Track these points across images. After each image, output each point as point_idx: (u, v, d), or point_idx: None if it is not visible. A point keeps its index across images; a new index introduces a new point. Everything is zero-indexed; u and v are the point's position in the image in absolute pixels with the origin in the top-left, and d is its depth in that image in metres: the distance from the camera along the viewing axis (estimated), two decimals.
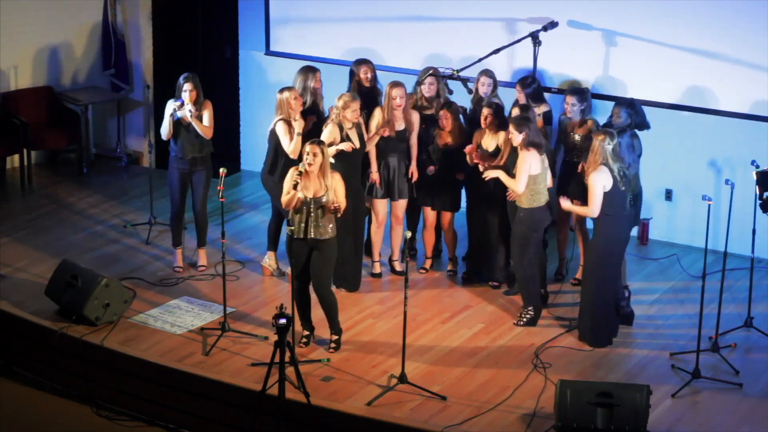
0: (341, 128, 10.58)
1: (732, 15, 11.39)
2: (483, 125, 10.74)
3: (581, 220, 10.96)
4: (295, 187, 9.62)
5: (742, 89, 11.50)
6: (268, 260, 11.37)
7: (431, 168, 11.04)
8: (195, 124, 11.04)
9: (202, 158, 11.23)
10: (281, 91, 10.84)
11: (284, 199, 9.73)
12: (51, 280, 10.66)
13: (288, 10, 13.44)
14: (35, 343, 10.47)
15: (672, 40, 11.67)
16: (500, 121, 10.69)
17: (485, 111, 10.70)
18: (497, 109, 10.73)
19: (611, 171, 9.70)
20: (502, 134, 10.63)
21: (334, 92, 11.49)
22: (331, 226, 9.75)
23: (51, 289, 10.63)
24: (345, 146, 10.54)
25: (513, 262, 10.50)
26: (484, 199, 10.82)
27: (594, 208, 9.75)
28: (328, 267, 9.85)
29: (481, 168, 10.51)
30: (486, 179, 10.38)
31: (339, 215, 9.70)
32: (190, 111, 10.99)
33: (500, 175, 10.28)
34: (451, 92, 11.39)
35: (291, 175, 9.68)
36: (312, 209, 9.68)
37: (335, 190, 9.70)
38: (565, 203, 10.09)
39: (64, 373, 10.28)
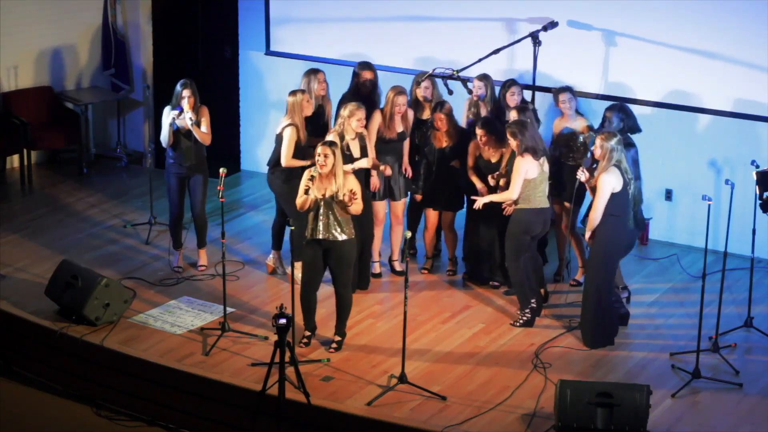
0: (342, 138, 10.56)
1: (732, 15, 11.38)
2: (481, 145, 10.71)
3: (572, 223, 10.94)
4: (306, 192, 9.63)
5: (741, 89, 11.50)
6: (273, 258, 11.38)
7: (456, 162, 11.04)
8: (195, 131, 11.03)
9: (197, 164, 11.23)
10: (293, 93, 10.81)
11: (298, 201, 9.75)
12: (51, 280, 10.66)
13: (288, 10, 13.44)
14: (35, 343, 10.47)
15: (672, 40, 11.67)
16: (497, 136, 10.66)
17: (478, 132, 10.67)
18: (491, 126, 10.68)
19: (623, 172, 9.67)
20: (507, 150, 10.63)
21: (334, 92, 11.53)
22: (346, 227, 9.73)
23: (51, 289, 10.63)
24: (364, 164, 10.57)
25: (507, 264, 10.48)
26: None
27: (599, 207, 9.70)
28: (346, 267, 9.86)
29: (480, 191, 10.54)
30: (477, 208, 10.42)
31: (350, 204, 9.62)
32: (190, 119, 10.97)
33: (491, 198, 10.30)
34: (451, 92, 11.39)
35: (304, 178, 9.70)
36: (323, 210, 9.68)
37: (350, 191, 9.68)
38: (484, 199, 10.25)
39: (64, 373, 10.29)
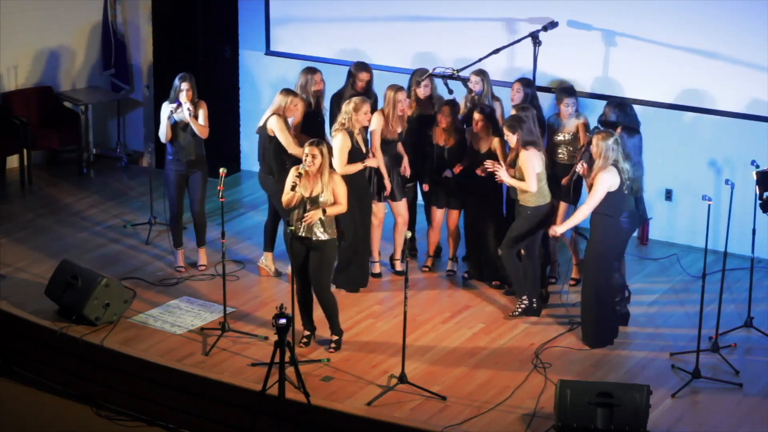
0: (351, 134, 10.56)
1: (732, 15, 11.38)
2: (475, 129, 10.75)
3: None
4: (293, 188, 9.64)
5: (741, 89, 11.50)
6: (265, 261, 11.36)
7: (450, 171, 11.02)
8: (193, 123, 11.03)
9: (197, 160, 11.23)
10: (285, 93, 10.79)
11: (284, 198, 9.75)
12: (51, 280, 10.66)
13: (288, 10, 13.44)
14: (35, 343, 10.47)
15: (672, 40, 11.67)
16: (493, 126, 10.69)
17: (476, 116, 10.71)
18: (489, 113, 10.72)
19: (620, 172, 9.67)
20: (495, 139, 10.63)
21: (329, 89, 11.51)
22: (328, 227, 9.74)
23: (51, 289, 10.63)
24: (371, 163, 10.56)
25: (501, 250, 10.43)
26: (481, 198, 10.81)
27: (591, 205, 9.71)
28: (326, 269, 9.84)
29: (494, 171, 10.46)
30: (499, 181, 10.36)
31: (307, 222, 9.64)
32: (188, 110, 10.98)
33: (510, 179, 10.25)
34: (451, 92, 11.40)
35: (291, 175, 9.71)
36: (307, 209, 9.68)
37: (333, 191, 9.70)
38: (503, 174, 10.14)
39: (64, 373, 10.29)
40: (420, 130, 11.23)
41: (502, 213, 10.93)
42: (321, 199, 9.65)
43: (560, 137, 10.90)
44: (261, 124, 10.80)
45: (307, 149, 9.65)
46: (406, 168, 11.16)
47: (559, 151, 10.89)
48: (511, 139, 10.20)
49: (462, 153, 10.98)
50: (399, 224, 11.32)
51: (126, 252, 11.89)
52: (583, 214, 9.83)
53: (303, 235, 9.73)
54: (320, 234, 9.72)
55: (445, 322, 10.56)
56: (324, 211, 9.64)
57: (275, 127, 10.68)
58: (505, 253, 10.39)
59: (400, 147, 11.14)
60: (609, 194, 9.70)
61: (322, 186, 9.66)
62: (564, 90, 11.04)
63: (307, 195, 9.68)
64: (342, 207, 9.79)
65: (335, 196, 9.72)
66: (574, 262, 11.12)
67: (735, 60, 11.45)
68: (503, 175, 10.27)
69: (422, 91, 11.27)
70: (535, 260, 10.44)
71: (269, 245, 11.32)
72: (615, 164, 9.67)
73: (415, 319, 10.47)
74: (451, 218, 11.27)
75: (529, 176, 10.12)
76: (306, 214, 9.65)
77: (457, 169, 10.93)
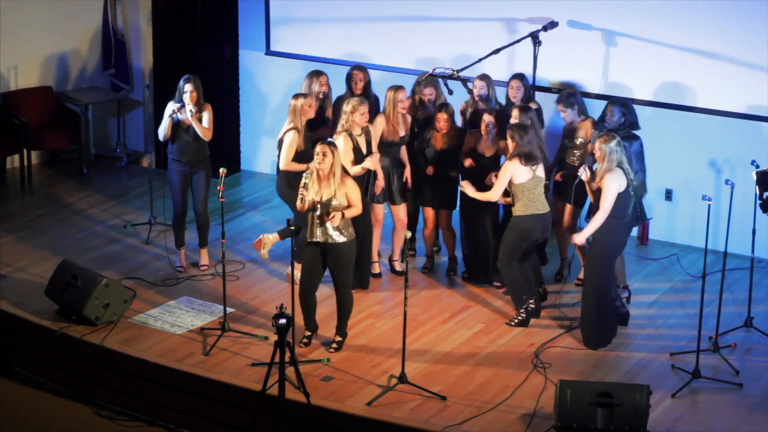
0: (351, 135, 10.56)
1: (732, 15, 11.39)
2: (483, 131, 10.73)
3: (573, 223, 10.93)
4: (302, 200, 9.63)
5: (742, 89, 11.50)
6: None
7: (430, 168, 11.05)
8: (195, 125, 11.04)
9: (199, 160, 11.23)
10: (296, 97, 10.78)
11: (297, 204, 9.73)
12: (51, 280, 10.66)
13: (288, 10, 13.44)
14: (35, 343, 10.48)
15: (672, 40, 11.67)
16: (501, 129, 10.67)
17: (487, 117, 10.68)
18: (499, 116, 10.70)
19: (625, 172, 9.66)
20: (503, 142, 10.62)
21: (334, 92, 11.53)
22: (345, 229, 9.72)
23: (51, 289, 10.63)
24: (369, 165, 10.55)
25: (500, 266, 10.47)
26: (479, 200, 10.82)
27: (605, 209, 9.68)
28: (346, 269, 9.85)
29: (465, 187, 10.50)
30: (463, 191, 10.40)
31: (331, 222, 9.64)
32: (190, 111, 10.99)
33: (474, 195, 10.29)
34: (451, 92, 11.40)
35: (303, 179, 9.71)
36: (320, 212, 9.67)
37: (347, 195, 9.69)
38: (468, 189, 10.24)
39: (64, 373, 10.29)
40: (421, 132, 11.22)
41: (499, 214, 10.93)
42: (333, 203, 9.64)
43: (576, 141, 10.81)
44: (280, 136, 10.80)
45: (318, 148, 9.64)
46: (408, 179, 11.14)
47: (572, 153, 10.83)
48: (510, 145, 10.19)
49: (456, 154, 10.98)
50: (397, 228, 11.30)
51: (126, 252, 11.89)
52: (599, 220, 9.78)
53: (319, 240, 9.72)
54: (337, 237, 9.72)
55: (445, 322, 10.56)
56: (343, 215, 9.64)
57: (286, 139, 10.66)
58: (503, 267, 10.38)
59: (403, 153, 11.12)
60: (618, 195, 9.68)
61: (334, 189, 9.65)
62: (557, 97, 11.00)
63: (318, 199, 9.66)
64: (358, 209, 9.79)
65: (349, 199, 9.71)
66: (582, 263, 11.07)
67: (735, 60, 11.45)
68: (468, 190, 10.32)
69: (427, 96, 11.24)
70: (524, 262, 10.41)
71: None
72: (620, 165, 9.66)
73: (415, 319, 10.47)
74: (441, 218, 11.26)
75: (497, 185, 10.11)
76: (331, 216, 9.61)
77: (467, 163, 10.89)
